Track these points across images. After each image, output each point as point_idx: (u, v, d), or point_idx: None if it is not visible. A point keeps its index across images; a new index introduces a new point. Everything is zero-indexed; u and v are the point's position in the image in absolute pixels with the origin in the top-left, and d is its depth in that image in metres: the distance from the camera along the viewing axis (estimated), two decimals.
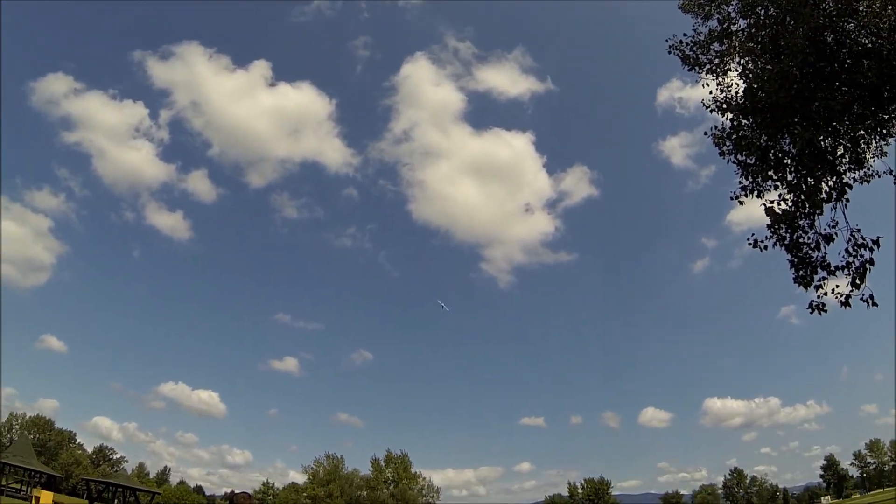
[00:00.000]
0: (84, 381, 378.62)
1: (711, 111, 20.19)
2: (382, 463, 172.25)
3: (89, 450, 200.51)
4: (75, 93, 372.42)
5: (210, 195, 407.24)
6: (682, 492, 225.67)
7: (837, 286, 17.65)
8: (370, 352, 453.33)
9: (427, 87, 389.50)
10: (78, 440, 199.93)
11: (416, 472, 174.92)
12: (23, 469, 73.91)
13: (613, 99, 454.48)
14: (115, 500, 50.67)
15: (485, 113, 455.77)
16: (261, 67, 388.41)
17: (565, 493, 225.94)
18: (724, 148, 19.51)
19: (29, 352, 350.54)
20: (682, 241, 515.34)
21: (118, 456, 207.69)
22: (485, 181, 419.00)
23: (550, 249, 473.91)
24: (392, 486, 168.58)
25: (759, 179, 18.48)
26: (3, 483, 71.17)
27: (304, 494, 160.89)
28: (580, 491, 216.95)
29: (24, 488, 70.35)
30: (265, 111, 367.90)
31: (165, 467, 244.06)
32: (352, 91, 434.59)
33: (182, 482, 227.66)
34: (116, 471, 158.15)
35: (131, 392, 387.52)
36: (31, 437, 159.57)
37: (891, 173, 17.98)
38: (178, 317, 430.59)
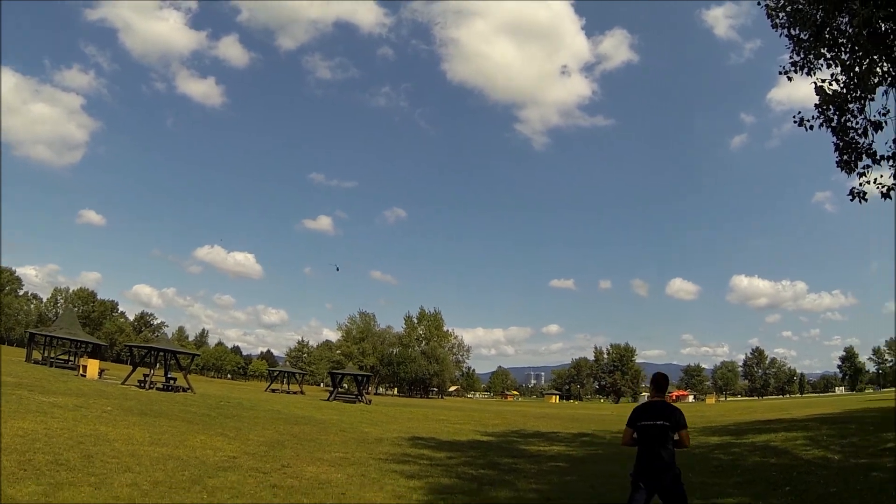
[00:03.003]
0: (124, 251, 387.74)
1: None
2: (415, 320, 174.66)
3: (131, 317, 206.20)
4: None
5: (242, 60, 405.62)
6: (703, 365, 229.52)
7: (882, 176, 16.84)
8: (404, 210, 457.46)
9: None
10: (120, 309, 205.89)
11: (447, 330, 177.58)
12: (69, 340, 75.59)
13: None
14: (157, 364, 51.29)
15: None
16: None
17: (591, 357, 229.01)
18: (778, 20, 18.34)
19: (69, 228, 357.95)
20: (721, 115, 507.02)
21: (158, 321, 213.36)
22: (521, 41, 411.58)
23: (587, 113, 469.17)
24: (424, 343, 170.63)
25: (812, 56, 17.44)
26: (52, 355, 72.89)
27: (338, 352, 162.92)
28: (605, 356, 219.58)
29: (71, 358, 72.29)
30: None
31: (204, 330, 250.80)
32: None
33: (220, 343, 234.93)
34: (157, 336, 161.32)
35: (171, 258, 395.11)
36: (76, 309, 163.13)
37: None
38: (213, 182, 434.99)
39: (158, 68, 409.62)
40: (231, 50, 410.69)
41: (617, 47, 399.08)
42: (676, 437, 9.17)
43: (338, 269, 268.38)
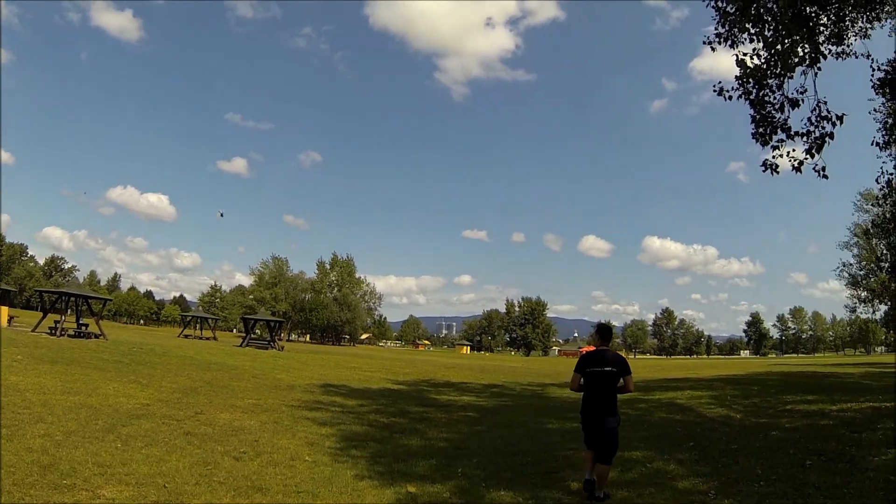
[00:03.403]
0: (33, 191, 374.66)
1: None
2: (328, 266, 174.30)
3: (41, 261, 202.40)
4: None
5: None
6: (614, 323, 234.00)
7: (794, 150, 17.55)
8: (319, 154, 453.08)
9: None
10: (29, 253, 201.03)
11: (359, 277, 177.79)
12: None
13: None
14: (69, 310, 50.45)
15: None
16: None
17: (503, 309, 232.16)
18: None
19: None
20: (643, 79, 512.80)
21: (69, 266, 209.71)
22: None
23: (509, 67, 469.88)
24: (336, 289, 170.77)
25: (736, 30, 17.92)
26: None
27: (251, 297, 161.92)
28: (517, 309, 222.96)
29: None
30: None
31: (116, 274, 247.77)
32: None
33: (133, 288, 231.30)
34: (68, 280, 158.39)
35: (82, 199, 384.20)
36: None
37: (868, 56, 17.60)
38: (127, 119, 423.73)
39: None
40: None
41: (543, 3, 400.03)
42: (621, 382, 9.96)
43: (222, 216, 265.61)
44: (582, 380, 10.22)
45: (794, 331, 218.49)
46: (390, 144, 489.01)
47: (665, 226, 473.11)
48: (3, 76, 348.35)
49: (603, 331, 10.78)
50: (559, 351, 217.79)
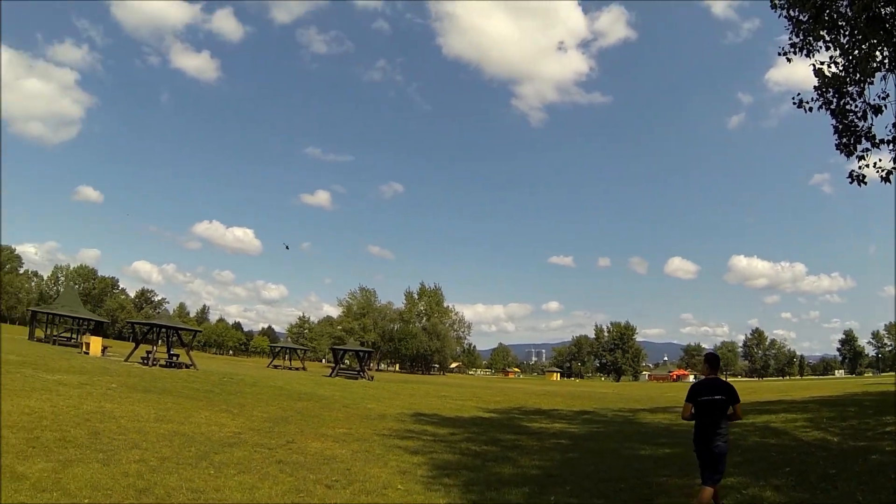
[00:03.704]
0: (122, 227, 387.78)
1: None
2: (416, 296, 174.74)
3: (132, 294, 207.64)
4: None
5: (236, 33, 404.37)
6: (703, 345, 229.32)
7: (881, 160, 16.89)
8: (401, 184, 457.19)
9: None
10: (121, 286, 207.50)
11: (448, 307, 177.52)
12: (71, 318, 76.18)
13: None
14: (160, 341, 51.60)
15: None
16: None
17: (591, 334, 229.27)
18: (777, 1, 18.25)
19: (67, 204, 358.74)
20: (719, 94, 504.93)
21: (159, 298, 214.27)
22: (517, 15, 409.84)
23: (584, 90, 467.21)
24: (424, 319, 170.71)
25: (811, 38, 17.40)
26: (55, 332, 73.50)
27: (339, 327, 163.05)
28: (606, 334, 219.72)
29: (74, 336, 72.87)
30: None
31: (205, 306, 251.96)
32: None
33: (221, 319, 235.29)
34: (159, 312, 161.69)
35: (168, 234, 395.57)
36: (77, 286, 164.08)
37: None
38: (209, 157, 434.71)
39: (152, 42, 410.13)
40: (225, 23, 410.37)
41: (614, 24, 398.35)
42: (731, 410, 9.96)
43: (287, 248, 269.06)
44: (693, 409, 10.18)
45: (890, 348, 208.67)
46: (471, 173, 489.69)
47: (751, 244, 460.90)
48: (89, 120, 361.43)
49: (711, 360, 10.67)
50: (649, 375, 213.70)
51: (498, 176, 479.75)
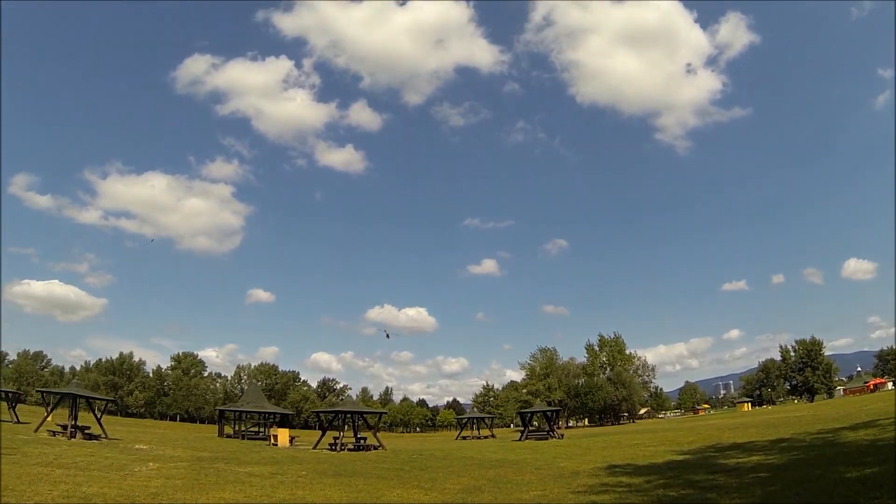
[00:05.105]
0: (297, 322, 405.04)
1: None
2: (597, 348, 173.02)
3: (314, 384, 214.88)
4: (215, 67, 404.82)
5: (375, 123, 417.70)
6: None
7: None
8: (564, 239, 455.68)
9: None
10: (302, 378, 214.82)
11: (630, 353, 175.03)
12: (257, 413, 79.63)
13: None
14: (346, 426, 52.84)
15: None
16: None
17: (778, 357, 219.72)
18: None
19: (241, 308, 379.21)
20: (858, 75, 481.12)
21: (341, 385, 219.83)
22: (639, 48, 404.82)
23: (722, 107, 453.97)
24: (608, 369, 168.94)
25: None
26: (243, 428, 76.84)
27: (524, 390, 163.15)
28: (792, 354, 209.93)
29: (261, 429, 76.14)
30: (404, 30, 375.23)
31: (387, 388, 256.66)
32: None
33: (405, 399, 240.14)
34: (342, 399, 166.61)
35: (342, 324, 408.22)
36: (259, 383, 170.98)
37: None
38: (372, 244, 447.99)
39: (296, 146, 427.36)
40: (362, 115, 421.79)
41: (735, 32, 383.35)
42: None
43: (388, 336, 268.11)
44: None
45: None
46: (630, 214, 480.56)
47: None
48: (249, 227, 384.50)
49: None
50: (844, 390, 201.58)
51: (655, 212, 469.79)
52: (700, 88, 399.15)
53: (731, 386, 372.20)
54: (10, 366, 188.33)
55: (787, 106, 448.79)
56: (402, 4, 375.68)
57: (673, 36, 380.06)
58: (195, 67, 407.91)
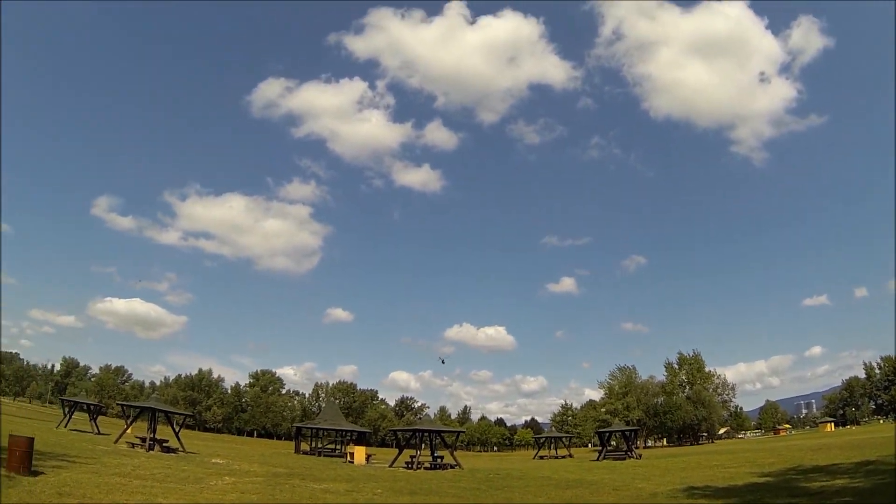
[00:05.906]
0: (375, 341, 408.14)
1: None
2: (676, 366, 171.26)
3: (391, 403, 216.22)
4: (289, 90, 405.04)
5: (450, 142, 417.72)
6: None
7: None
8: (643, 256, 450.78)
9: None
10: (380, 396, 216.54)
11: (709, 371, 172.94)
12: (334, 430, 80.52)
13: None
14: (423, 444, 52.87)
15: None
16: (455, 8, 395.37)
17: (862, 374, 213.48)
18: None
19: (319, 327, 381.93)
20: None
21: (419, 404, 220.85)
22: (710, 58, 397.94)
23: (798, 116, 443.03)
24: (687, 388, 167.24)
25: None
26: (320, 445, 77.71)
27: (603, 410, 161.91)
28: (878, 371, 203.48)
29: (337, 447, 77.25)
30: (475, 48, 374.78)
31: (466, 406, 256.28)
32: (552, 6, 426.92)
33: (483, 417, 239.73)
34: (420, 417, 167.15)
35: (421, 342, 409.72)
36: (337, 401, 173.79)
37: None
38: (450, 263, 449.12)
39: (373, 166, 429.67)
40: (437, 134, 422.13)
41: (807, 36, 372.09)
42: None
43: (443, 362, 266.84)
44: None
45: None
46: (707, 228, 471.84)
47: None
48: (327, 247, 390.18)
49: None
50: None
51: (734, 226, 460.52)
52: (774, 97, 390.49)
53: (814, 405, 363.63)
54: (92, 379, 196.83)
55: (865, 111, 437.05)
56: (472, 23, 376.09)
57: (744, 44, 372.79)
58: (270, 91, 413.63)
